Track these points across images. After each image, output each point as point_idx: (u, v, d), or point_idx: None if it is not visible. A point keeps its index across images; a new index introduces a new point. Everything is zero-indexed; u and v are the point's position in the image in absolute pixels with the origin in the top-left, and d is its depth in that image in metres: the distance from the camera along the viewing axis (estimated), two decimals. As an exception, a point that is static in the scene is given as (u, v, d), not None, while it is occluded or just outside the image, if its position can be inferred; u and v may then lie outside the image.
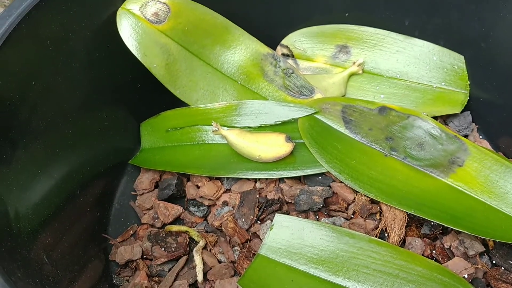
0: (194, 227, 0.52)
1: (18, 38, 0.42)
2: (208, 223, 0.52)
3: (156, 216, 0.54)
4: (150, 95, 0.58)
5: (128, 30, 0.52)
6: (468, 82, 0.58)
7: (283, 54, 0.64)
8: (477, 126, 0.58)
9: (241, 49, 0.57)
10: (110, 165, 0.56)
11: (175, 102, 0.57)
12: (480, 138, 0.57)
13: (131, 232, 0.53)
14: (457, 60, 0.59)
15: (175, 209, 0.53)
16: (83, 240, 0.48)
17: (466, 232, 0.43)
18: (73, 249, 0.46)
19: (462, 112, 0.57)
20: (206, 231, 0.51)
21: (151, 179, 0.56)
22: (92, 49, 0.51)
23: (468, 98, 0.57)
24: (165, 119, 0.58)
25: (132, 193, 0.57)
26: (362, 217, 0.48)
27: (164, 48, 0.54)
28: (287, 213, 0.50)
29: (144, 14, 0.53)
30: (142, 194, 0.56)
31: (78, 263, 0.46)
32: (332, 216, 0.49)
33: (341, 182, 0.49)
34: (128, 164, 0.58)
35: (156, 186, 0.56)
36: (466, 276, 0.44)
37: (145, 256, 0.51)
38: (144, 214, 0.55)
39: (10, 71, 0.41)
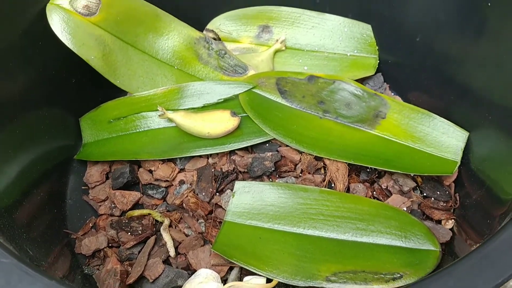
0: (155, 209, 0.54)
1: None
2: (168, 203, 0.54)
3: (113, 205, 0.54)
4: (88, 90, 0.58)
5: (60, 25, 0.52)
6: (377, 48, 0.66)
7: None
8: (388, 85, 0.66)
9: (174, 35, 0.59)
10: (56, 162, 0.55)
11: (114, 95, 0.58)
12: (393, 95, 0.66)
13: (90, 225, 0.53)
14: (365, 29, 0.66)
15: (133, 195, 0.54)
16: (47, 236, 0.48)
17: (398, 171, 0.51)
18: (39, 245, 0.46)
19: (375, 74, 0.65)
20: (168, 211, 0.53)
21: (101, 171, 0.56)
22: (25, 46, 0.50)
23: (379, 61, 0.65)
24: (106, 110, 0.58)
25: (83, 187, 0.57)
26: (310, 173, 0.53)
27: (99, 39, 0.54)
28: (244, 180, 0.54)
29: (75, 8, 0.53)
30: (94, 187, 0.56)
31: (45, 259, 0.46)
32: (284, 177, 0.54)
33: (287, 145, 0.54)
34: (74, 160, 0.58)
35: (108, 177, 0.57)
36: (405, 208, 0.51)
37: (110, 244, 0.51)
38: (100, 205, 0.55)
39: None
